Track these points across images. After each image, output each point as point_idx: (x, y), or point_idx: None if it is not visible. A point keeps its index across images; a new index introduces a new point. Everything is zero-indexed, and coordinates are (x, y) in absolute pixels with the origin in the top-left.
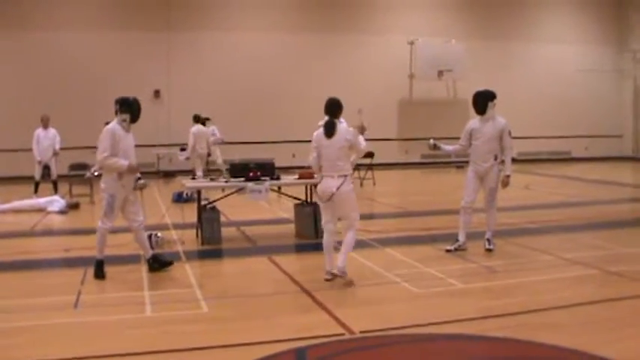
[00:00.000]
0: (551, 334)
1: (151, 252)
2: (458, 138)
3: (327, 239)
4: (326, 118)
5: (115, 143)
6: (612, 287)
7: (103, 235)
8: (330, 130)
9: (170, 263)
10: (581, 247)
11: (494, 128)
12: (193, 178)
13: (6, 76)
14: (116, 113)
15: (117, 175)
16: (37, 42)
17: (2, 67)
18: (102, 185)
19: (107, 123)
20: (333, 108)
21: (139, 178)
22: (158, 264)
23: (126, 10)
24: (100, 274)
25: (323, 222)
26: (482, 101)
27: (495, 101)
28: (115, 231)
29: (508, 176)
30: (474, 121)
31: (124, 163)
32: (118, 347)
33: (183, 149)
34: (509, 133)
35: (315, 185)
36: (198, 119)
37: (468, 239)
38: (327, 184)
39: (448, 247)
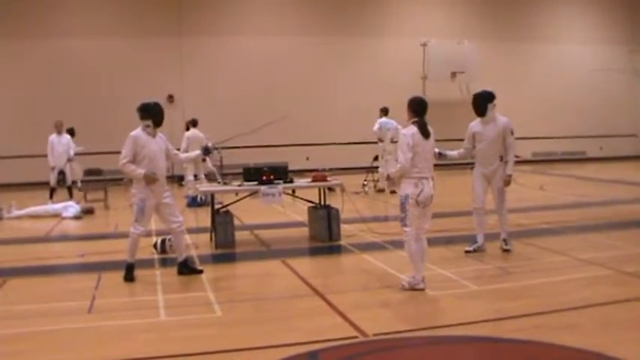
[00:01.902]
0: (567, 335)
1: (184, 256)
2: None
3: (419, 248)
4: (415, 118)
5: (139, 149)
6: (628, 287)
7: (135, 240)
8: (427, 130)
9: (200, 271)
10: (596, 247)
11: (496, 129)
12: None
13: (20, 83)
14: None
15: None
16: (51, 49)
17: (16, 73)
18: (132, 190)
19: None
20: (424, 107)
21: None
22: (187, 269)
23: (138, 17)
24: (129, 277)
25: (416, 227)
26: (482, 103)
27: (495, 102)
28: (126, 235)
29: (510, 176)
30: (475, 123)
31: (140, 171)
32: (131, 351)
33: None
34: (512, 132)
35: (330, 188)
36: (195, 124)
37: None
38: (426, 187)
39: (467, 248)
